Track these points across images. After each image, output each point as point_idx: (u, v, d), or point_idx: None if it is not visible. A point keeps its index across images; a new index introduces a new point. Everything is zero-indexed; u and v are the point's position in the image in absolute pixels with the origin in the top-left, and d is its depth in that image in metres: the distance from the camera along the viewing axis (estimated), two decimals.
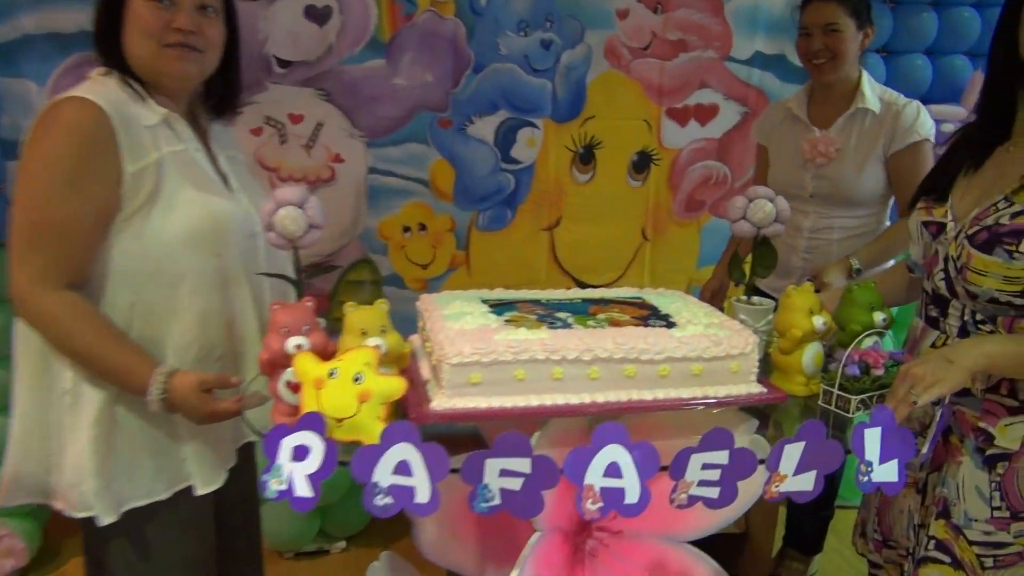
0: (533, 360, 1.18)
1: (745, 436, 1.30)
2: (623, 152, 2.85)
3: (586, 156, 2.82)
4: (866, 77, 2.03)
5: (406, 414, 1.16)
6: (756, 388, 1.28)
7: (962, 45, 2.88)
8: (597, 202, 2.86)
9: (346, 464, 1.03)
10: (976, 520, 1.27)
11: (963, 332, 1.31)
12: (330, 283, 2.70)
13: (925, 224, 1.42)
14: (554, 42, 2.68)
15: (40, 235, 1.21)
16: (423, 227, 2.73)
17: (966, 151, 1.40)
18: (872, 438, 1.15)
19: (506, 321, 1.31)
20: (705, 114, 2.87)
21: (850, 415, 1.28)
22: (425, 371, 1.30)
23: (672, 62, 2.80)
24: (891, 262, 2.13)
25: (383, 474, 1.03)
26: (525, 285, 2.94)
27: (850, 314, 1.40)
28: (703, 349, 1.24)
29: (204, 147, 1.40)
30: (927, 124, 1.98)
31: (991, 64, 1.33)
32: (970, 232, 1.28)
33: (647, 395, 1.23)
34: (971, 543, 1.28)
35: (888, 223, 2.12)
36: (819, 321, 1.35)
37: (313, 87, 2.54)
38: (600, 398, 1.21)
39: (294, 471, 1.04)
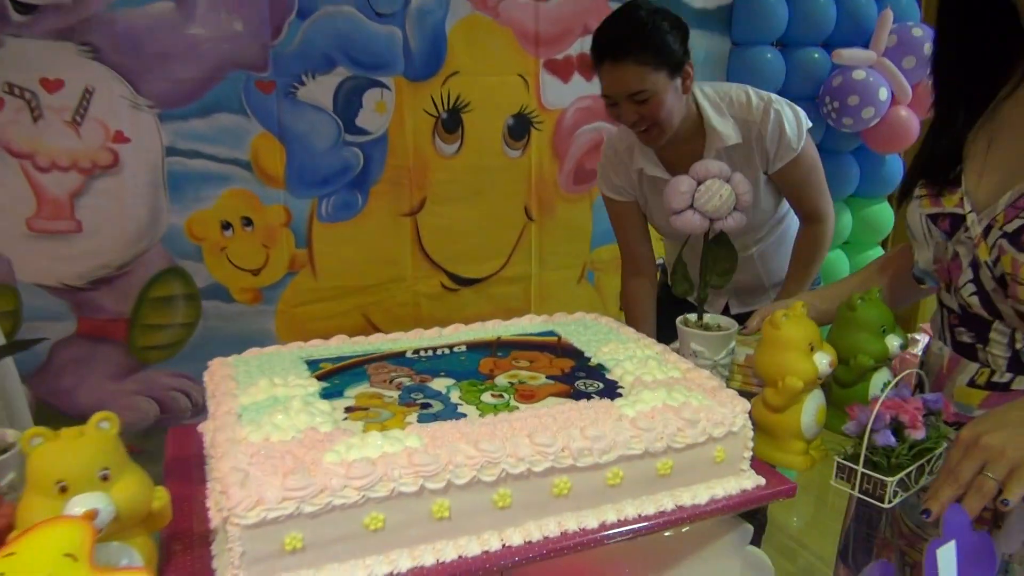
0: (397, 496, 0.67)
1: (735, 554, 0.85)
2: (496, 115, 2.37)
3: (451, 122, 2.29)
4: (705, 102, 1.51)
5: None
6: (750, 480, 0.83)
7: None
8: (468, 178, 2.36)
9: None
10: None
11: (1015, 364, 0.91)
12: (128, 303, 2.04)
13: (932, 218, 1.00)
14: None
15: None
16: (248, 222, 2.11)
17: (964, 113, 1.00)
18: (947, 560, 0.73)
19: (347, 411, 0.78)
20: (590, 66, 2.39)
21: (885, 505, 0.85)
22: (215, 509, 0.76)
23: (549, 3, 2.32)
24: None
25: None
26: (387, 284, 2.44)
27: (855, 342, 0.98)
28: (672, 435, 0.77)
29: None
30: (794, 130, 1.48)
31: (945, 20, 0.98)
32: (1008, 228, 0.88)
33: (589, 521, 0.75)
34: None
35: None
36: (824, 362, 0.91)
37: (74, 41, 1.86)
38: (516, 538, 0.72)
39: None
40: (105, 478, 0.62)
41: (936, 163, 1.01)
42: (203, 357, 0.95)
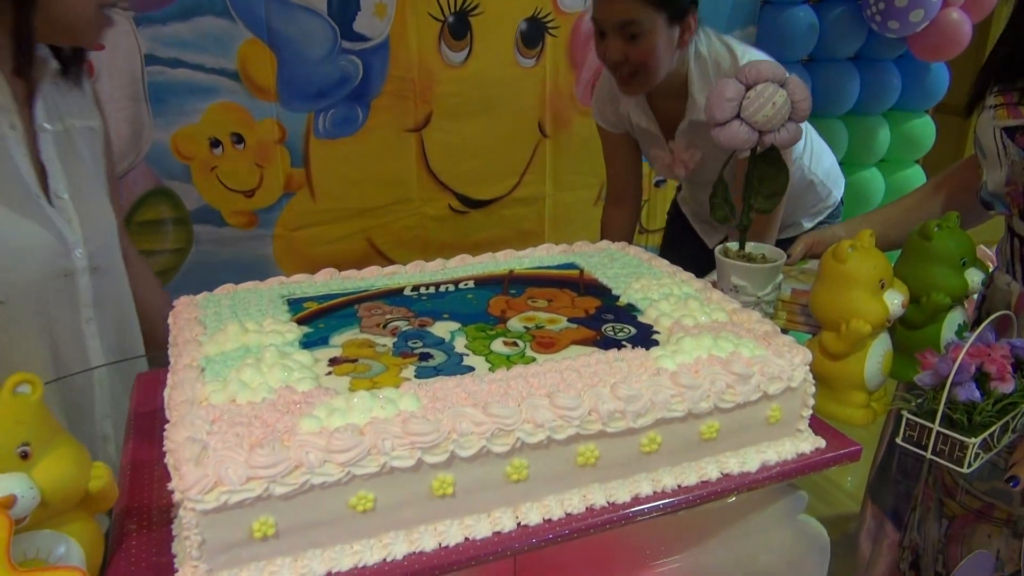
0: (389, 470, 0.55)
1: (786, 525, 0.73)
2: (508, 19, 2.16)
3: (459, 27, 2.09)
4: (694, 65, 1.34)
5: None
6: (808, 441, 0.70)
7: None
8: (477, 90, 2.18)
9: None
10: None
11: None
12: None
13: (1009, 132, 0.84)
14: None
15: None
16: (239, 139, 1.95)
17: None
18: None
19: (331, 363, 0.66)
20: None
21: (964, 469, 0.73)
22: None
23: None
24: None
25: None
26: (391, 206, 2.28)
27: (929, 276, 0.84)
28: (720, 392, 0.64)
29: (23, 120, 0.90)
30: None
31: None
32: None
33: (620, 494, 0.63)
34: None
35: None
36: (896, 302, 0.78)
37: None
38: (533, 516, 0.61)
39: None
40: (25, 455, 0.50)
41: (1014, 64, 0.85)
42: (197, 285, 0.84)
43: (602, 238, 1.69)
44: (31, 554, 0.51)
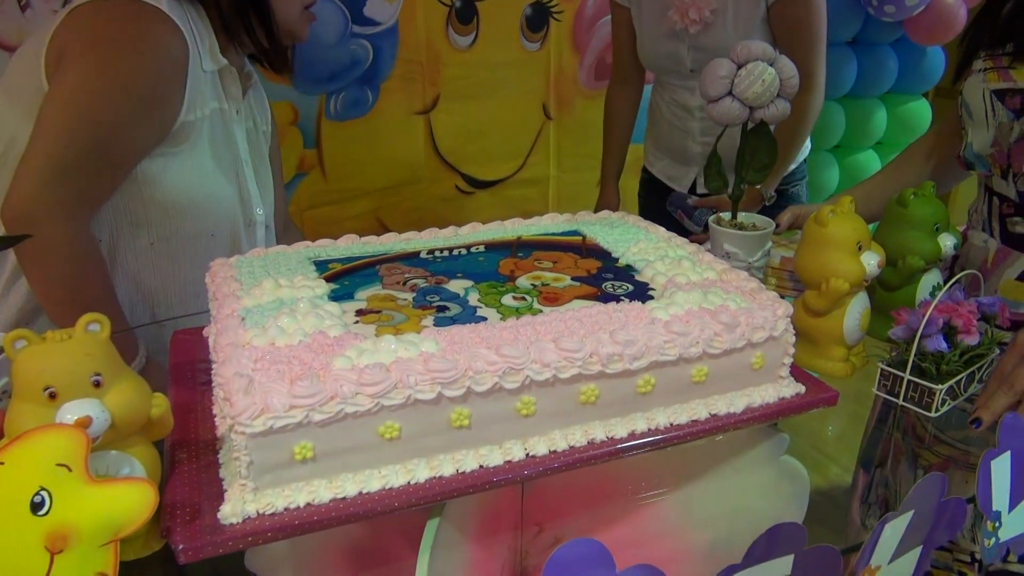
0: (413, 403, 0.62)
1: (770, 464, 0.81)
2: (513, 4, 2.24)
3: (465, 12, 2.15)
4: None
5: (170, 536, 0.59)
6: (789, 387, 0.78)
7: None
8: (484, 73, 2.24)
9: None
10: None
11: None
12: None
13: (999, 95, 0.91)
14: None
15: (93, 152, 0.97)
16: None
17: None
18: (1001, 473, 0.69)
19: (358, 314, 0.73)
20: None
21: (932, 414, 0.81)
22: (220, 417, 0.72)
23: None
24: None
25: None
26: (400, 186, 2.35)
27: (905, 241, 0.91)
28: (709, 340, 0.71)
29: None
30: None
31: None
32: None
33: (618, 430, 0.70)
34: None
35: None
36: (872, 262, 0.84)
37: None
38: (540, 447, 0.68)
39: None
40: (97, 384, 0.57)
41: (1004, 29, 0.91)
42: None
43: (606, 119, 1.79)
44: (101, 471, 0.58)
